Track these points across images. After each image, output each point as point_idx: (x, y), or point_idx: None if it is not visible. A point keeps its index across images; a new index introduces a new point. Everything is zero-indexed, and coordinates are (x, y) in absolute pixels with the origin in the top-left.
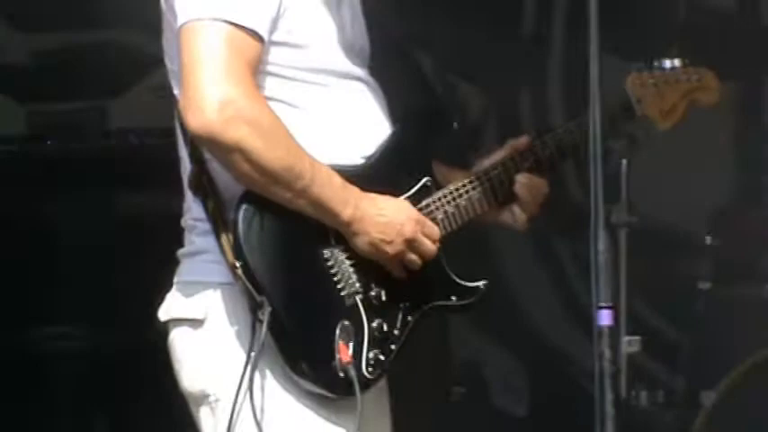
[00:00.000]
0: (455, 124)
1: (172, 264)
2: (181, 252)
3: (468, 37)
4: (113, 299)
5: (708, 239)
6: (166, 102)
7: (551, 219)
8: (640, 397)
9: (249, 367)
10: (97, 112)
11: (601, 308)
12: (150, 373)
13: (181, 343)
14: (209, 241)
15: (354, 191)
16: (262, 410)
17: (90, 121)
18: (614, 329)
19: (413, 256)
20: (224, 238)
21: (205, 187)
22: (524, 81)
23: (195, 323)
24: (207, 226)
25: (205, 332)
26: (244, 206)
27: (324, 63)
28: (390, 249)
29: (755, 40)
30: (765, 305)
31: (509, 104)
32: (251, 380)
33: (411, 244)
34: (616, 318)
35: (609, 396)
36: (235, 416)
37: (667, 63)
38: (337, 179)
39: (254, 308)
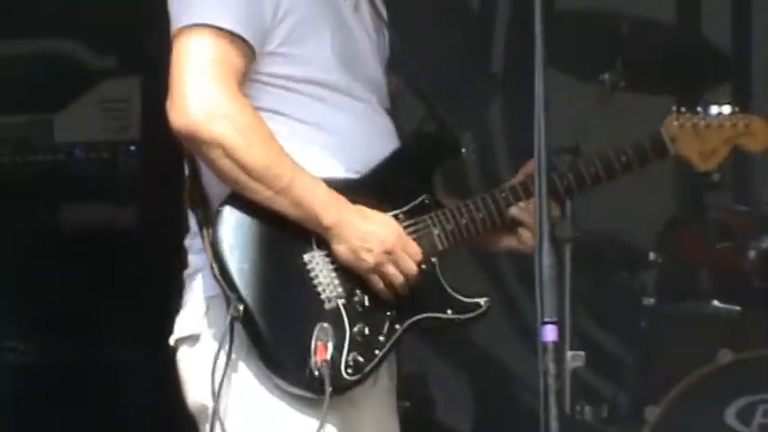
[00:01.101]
0: (464, 150)
1: (119, 275)
2: (184, 274)
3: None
4: (56, 311)
5: (652, 255)
6: (110, 115)
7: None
8: (585, 412)
9: (225, 365)
10: (42, 126)
11: (545, 323)
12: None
13: (182, 362)
14: (203, 258)
15: (340, 198)
16: (243, 409)
17: (36, 134)
18: (559, 345)
19: (391, 270)
20: (206, 240)
21: (198, 200)
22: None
23: (192, 340)
24: (201, 243)
25: (201, 346)
26: (226, 207)
27: (318, 76)
28: (370, 258)
29: (696, 54)
30: (709, 321)
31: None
32: (223, 377)
33: (390, 257)
34: (560, 333)
35: (553, 411)
36: (221, 417)
37: (714, 109)
38: (322, 185)
39: (231, 307)
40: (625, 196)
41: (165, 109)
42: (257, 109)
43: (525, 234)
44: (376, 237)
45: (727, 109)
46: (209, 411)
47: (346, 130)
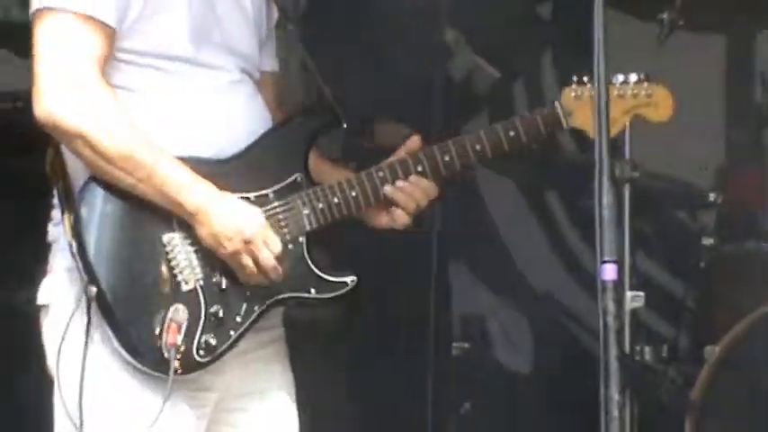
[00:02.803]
0: (344, 124)
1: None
2: (48, 239)
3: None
4: None
5: (711, 196)
6: None
7: (547, 175)
8: (644, 352)
9: (84, 341)
10: None
11: (605, 262)
12: None
13: (39, 329)
14: (60, 230)
15: (203, 183)
16: (93, 383)
17: None
18: (618, 284)
19: (248, 261)
20: (66, 218)
21: (57, 171)
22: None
23: (44, 309)
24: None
25: (49, 317)
26: (87, 188)
27: (171, 50)
28: (229, 246)
29: None
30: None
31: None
32: (82, 352)
33: (248, 246)
34: (620, 272)
35: (613, 351)
36: (65, 393)
37: (619, 77)
38: (185, 170)
39: (85, 287)
40: (685, 137)
41: None
42: (114, 87)
43: (397, 212)
44: (237, 225)
45: (633, 77)
46: (56, 382)
47: (207, 105)
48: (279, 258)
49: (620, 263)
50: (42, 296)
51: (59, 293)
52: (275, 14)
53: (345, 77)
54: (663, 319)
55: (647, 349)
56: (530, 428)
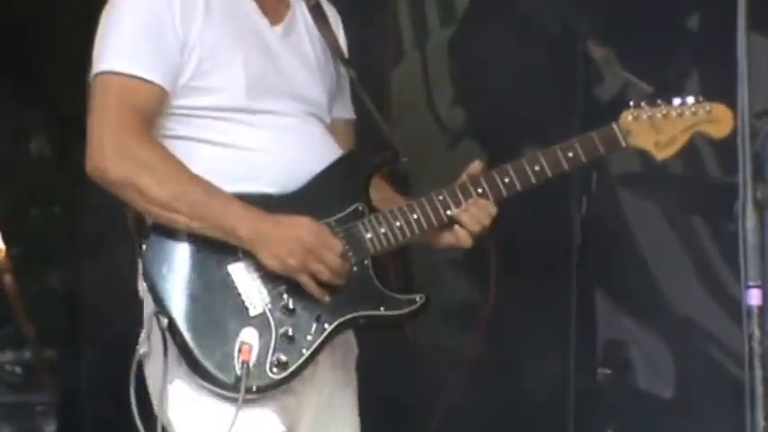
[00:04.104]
0: (404, 159)
1: None
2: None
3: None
4: None
5: None
6: None
7: (690, 199)
8: None
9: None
10: None
11: (750, 287)
12: None
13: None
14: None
15: (254, 210)
16: (180, 413)
17: None
18: (763, 308)
19: (317, 266)
20: (139, 261)
21: (134, 223)
22: None
23: (144, 358)
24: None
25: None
26: (151, 233)
27: (228, 103)
28: (293, 261)
29: None
30: None
31: None
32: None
33: (312, 254)
34: (765, 297)
35: (758, 376)
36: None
37: (676, 101)
38: (237, 203)
39: (157, 317)
40: None
41: None
42: (171, 138)
43: (461, 232)
44: (293, 239)
45: (690, 99)
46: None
47: (266, 148)
48: (344, 258)
49: (765, 287)
50: (141, 347)
51: (152, 341)
52: (342, 68)
53: (490, 101)
54: None
55: None
56: None
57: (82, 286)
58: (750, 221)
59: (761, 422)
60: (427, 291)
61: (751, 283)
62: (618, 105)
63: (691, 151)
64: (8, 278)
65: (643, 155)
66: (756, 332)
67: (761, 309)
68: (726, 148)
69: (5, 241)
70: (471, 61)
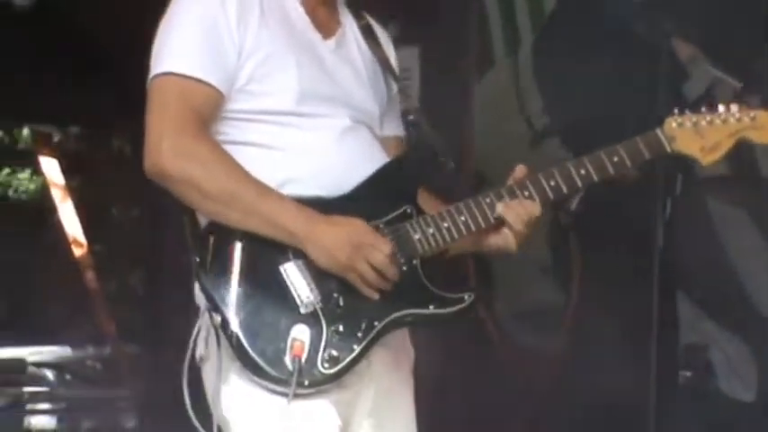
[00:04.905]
0: (452, 164)
1: None
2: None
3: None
4: None
5: None
6: None
7: None
8: None
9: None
10: None
11: None
12: None
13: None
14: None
15: (307, 210)
16: (239, 409)
17: None
18: None
19: (364, 265)
20: (194, 264)
21: (191, 231)
22: None
23: (203, 360)
24: None
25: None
26: (205, 233)
27: (282, 107)
28: (342, 257)
29: None
30: None
31: None
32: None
33: (360, 252)
34: None
35: None
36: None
37: (720, 107)
38: (289, 201)
39: (210, 315)
40: None
41: None
42: (227, 142)
43: (509, 235)
44: (344, 236)
45: (734, 107)
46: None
47: (317, 151)
48: (392, 259)
49: None
50: (198, 348)
51: (209, 344)
52: (394, 85)
53: (575, 102)
54: None
55: None
56: None
57: (162, 284)
58: None
59: None
60: (492, 291)
61: None
62: (703, 103)
63: None
64: (89, 274)
65: (730, 158)
66: None
67: None
68: None
69: (88, 239)
70: (557, 62)
